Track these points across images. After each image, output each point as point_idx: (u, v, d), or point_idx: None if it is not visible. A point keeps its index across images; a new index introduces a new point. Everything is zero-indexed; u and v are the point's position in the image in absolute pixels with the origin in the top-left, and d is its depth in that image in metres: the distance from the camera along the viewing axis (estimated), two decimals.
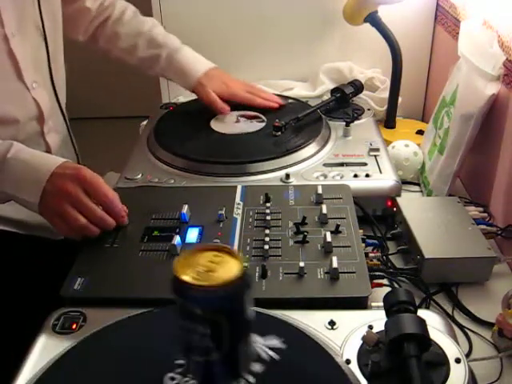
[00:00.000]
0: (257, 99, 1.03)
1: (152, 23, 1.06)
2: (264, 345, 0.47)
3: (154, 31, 1.04)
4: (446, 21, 1.12)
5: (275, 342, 0.48)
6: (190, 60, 1.03)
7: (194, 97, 1.06)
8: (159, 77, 1.07)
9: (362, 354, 0.52)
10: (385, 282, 0.70)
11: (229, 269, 0.39)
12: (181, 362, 0.45)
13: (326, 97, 1.12)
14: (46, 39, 0.87)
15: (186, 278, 0.38)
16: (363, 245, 0.69)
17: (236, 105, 1.03)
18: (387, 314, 0.52)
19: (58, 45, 0.94)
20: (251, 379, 0.43)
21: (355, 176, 0.84)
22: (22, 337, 0.57)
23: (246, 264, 0.40)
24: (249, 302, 0.40)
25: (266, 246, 0.66)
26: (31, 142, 0.86)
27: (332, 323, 0.56)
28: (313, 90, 1.19)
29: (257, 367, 0.45)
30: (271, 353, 0.47)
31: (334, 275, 0.62)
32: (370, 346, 0.51)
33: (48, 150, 0.92)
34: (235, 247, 0.67)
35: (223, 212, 0.73)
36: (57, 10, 0.92)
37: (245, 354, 0.43)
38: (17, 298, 0.80)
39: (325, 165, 0.87)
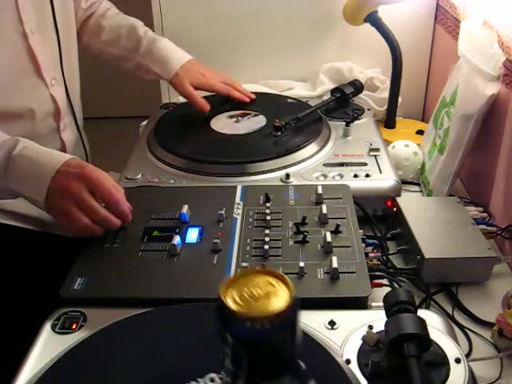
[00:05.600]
0: (233, 91, 1.05)
1: (134, 19, 1.08)
2: None
3: (136, 23, 1.06)
4: (445, 21, 1.12)
5: None
6: (170, 49, 1.03)
7: None
8: (135, 71, 1.05)
9: (361, 354, 0.52)
10: (385, 281, 0.70)
11: (272, 303, 0.34)
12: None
13: (326, 97, 1.11)
14: (58, 37, 0.87)
15: (227, 297, 0.34)
16: (363, 245, 0.69)
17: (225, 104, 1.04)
18: (387, 314, 0.52)
19: (72, 43, 0.95)
20: None
21: (355, 176, 0.84)
22: (22, 337, 0.57)
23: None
24: (288, 343, 0.35)
25: (266, 246, 0.66)
26: (48, 139, 0.88)
27: (332, 323, 0.56)
28: (313, 90, 1.19)
29: None
30: None
31: (334, 275, 0.62)
32: (370, 346, 0.51)
33: (63, 147, 0.92)
34: (235, 247, 0.67)
35: (223, 212, 0.73)
36: (70, 9, 0.93)
37: None
38: (17, 297, 0.80)
39: (325, 165, 0.87)
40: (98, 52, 1.07)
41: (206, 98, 1.02)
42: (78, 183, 0.68)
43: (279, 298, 0.34)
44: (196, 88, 1.02)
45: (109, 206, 0.70)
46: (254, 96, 1.08)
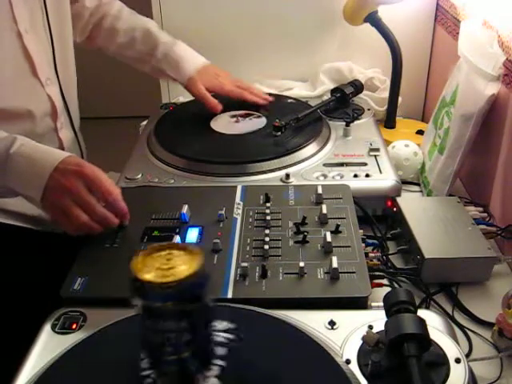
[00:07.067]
0: (246, 94, 1.04)
1: (147, 19, 1.08)
2: (217, 330, 0.47)
3: (150, 25, 1.06)
4: (445, 21, 1.12)
5: (225, 324, 0.48)
6: (186, 53, 1.03)
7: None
8: (151, 73, 1.07)
9: (362, 354, 0.52)
10: (385, 281, 0.70)
11: (185, 261, 0.40)
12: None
13: (326, 97, 1.12)
14: (51, 36, 0.87)
15: (142, 274, 0.39)
16: (363, 245, 0.69)
17: (229, 104, 1.03)
18: (387, 314, 0.52)
19: (67, 43, 0.95)
20: (221, 363, 0.44)
21: (355, 176, 0.84)
22: (22, 337, 0.57)
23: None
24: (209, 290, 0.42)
25: (266, 246, 0.66)
26: (46, 138, 0.88)
27: (332, 323, 0.56)
28: (313, 90, 1.19)
29: (221, 351, 0.45)
30: (226, 335, 0.47)
31: (334, 275, 0.62)
32: (370, 346, 0.51)
33: (61, 146, 0.92)
34: (235, 247, 0.67)
35: (223, 212, 0.73)
36: (65, 9, 0.92)
37: (211, 341, 0.44)
38: (17, 297, 0.80)
39: (325, 165, 0.87)
40: (113, 55, 1.08)
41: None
42: (75, 180, 0.68)
43: (187, 258, 0.40)
44: (209, 90, 1.01)
45: (107, 204, 0.70)
46: (270, 98, 1.07)
